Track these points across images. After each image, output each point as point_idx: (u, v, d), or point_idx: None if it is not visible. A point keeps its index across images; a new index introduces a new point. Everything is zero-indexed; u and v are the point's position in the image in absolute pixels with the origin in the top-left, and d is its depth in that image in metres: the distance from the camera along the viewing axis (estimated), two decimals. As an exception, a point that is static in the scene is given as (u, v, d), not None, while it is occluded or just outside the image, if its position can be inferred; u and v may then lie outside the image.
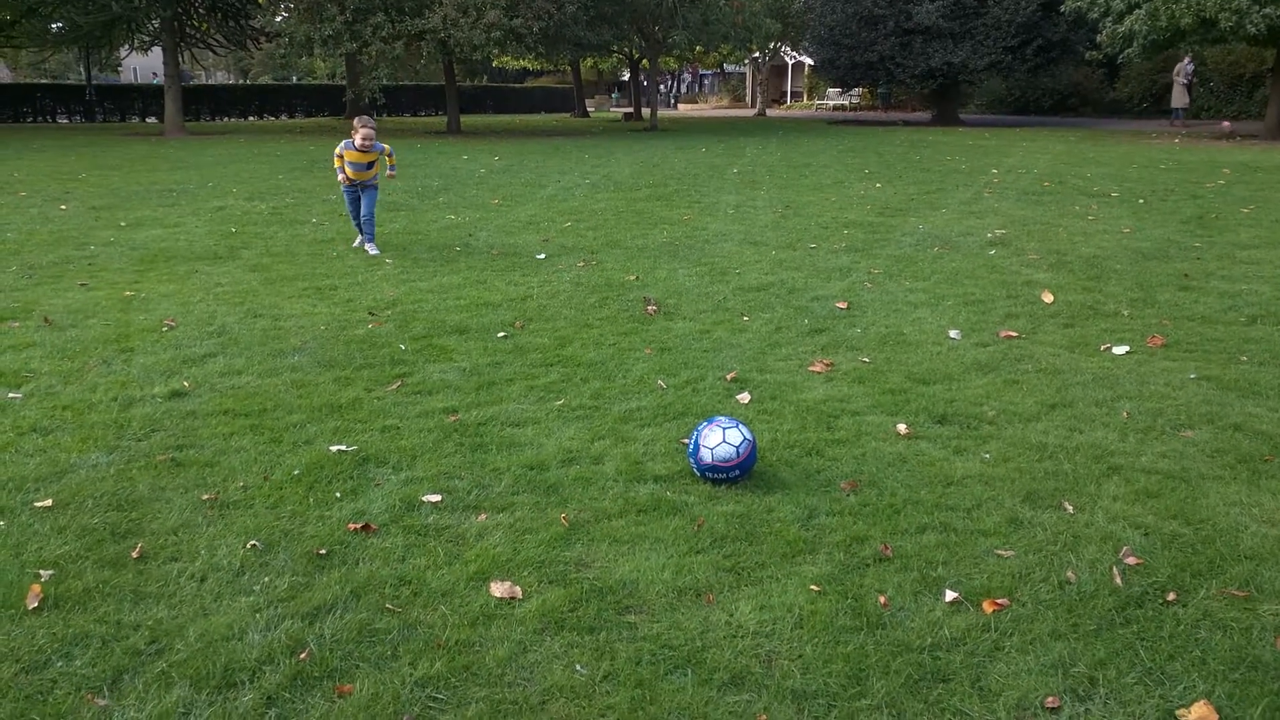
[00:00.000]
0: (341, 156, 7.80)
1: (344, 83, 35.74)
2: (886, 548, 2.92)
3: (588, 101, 47.20)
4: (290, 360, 4.84)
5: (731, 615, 2.58)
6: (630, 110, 38.80)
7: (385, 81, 26.79)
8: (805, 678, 2.30)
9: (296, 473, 3.43)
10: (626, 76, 46.58)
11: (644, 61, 35.21)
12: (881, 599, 2.63)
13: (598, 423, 4.03)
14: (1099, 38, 22.70)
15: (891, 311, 5.90)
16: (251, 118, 37.69)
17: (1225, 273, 6.86)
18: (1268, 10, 19.14)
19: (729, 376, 4.63)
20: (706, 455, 3.36)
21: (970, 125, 29.81)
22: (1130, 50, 21.65)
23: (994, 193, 11.70)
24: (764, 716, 2.17)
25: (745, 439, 3.38)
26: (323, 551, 2.86)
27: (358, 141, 7.62)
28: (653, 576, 2.77)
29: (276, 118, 38.30)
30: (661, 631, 2.50)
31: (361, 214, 7.96)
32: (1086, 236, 8.36)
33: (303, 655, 2.34)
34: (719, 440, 3.35)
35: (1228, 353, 4.90)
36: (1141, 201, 10.65)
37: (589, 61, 45.28)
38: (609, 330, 5.53)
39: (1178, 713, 2.14)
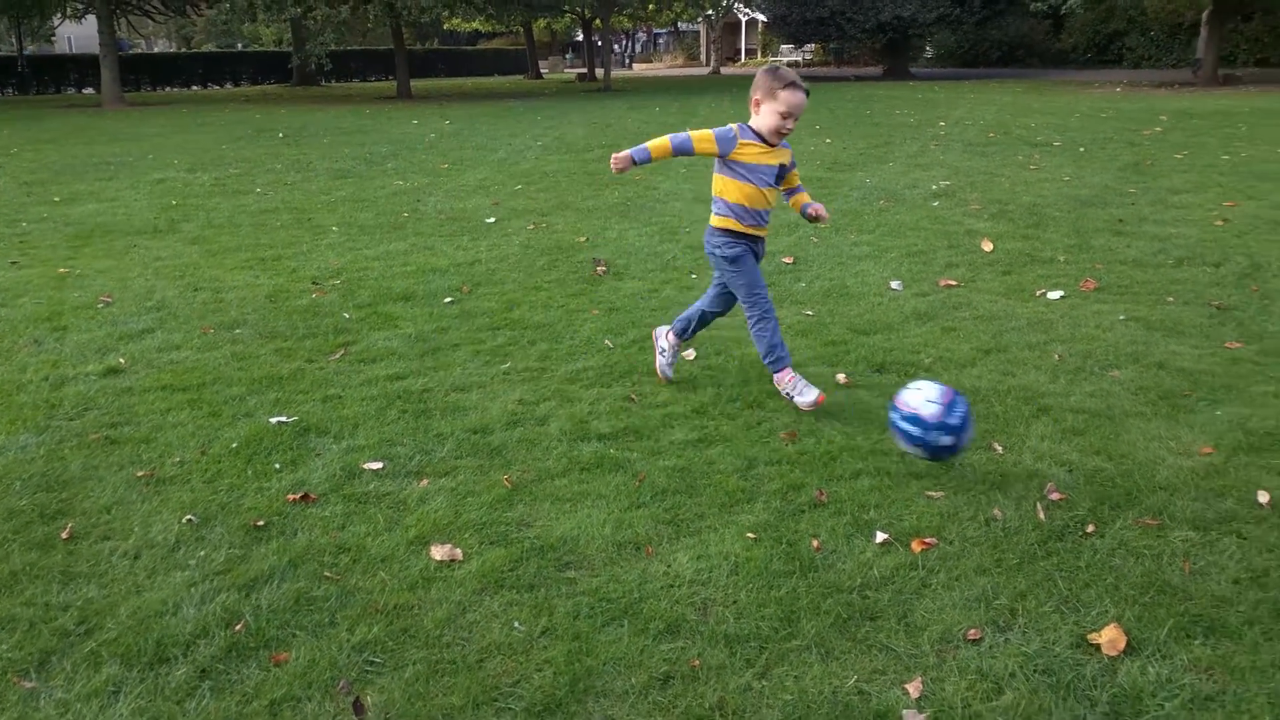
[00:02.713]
0: (725, 166, 3.55)
1: (290, 49, 34.93)
2: (822, 494, 2.99)
3: (541, 63, 46.58)
4: (231, 333, 4.78)
5: (669, 566, 2.63)
6: (584, 71, 38.39)
7: (332, 46, 26.22)
8: (739, 622, 2.36)
9: (235, 446, 3.41)
10: (580, 37, 45.95)
11: (596, 21, 34.77)
12: (815, 543, 2.70)
13: (544, 384, 4.04)
14: (1044, -13, 22.83)
15: (836, 265, 5.96)
16: (195, 87, 36.75)
17: (1157, 217, 7.00)
18: (1207, -44, 19.35)
19: (674, 334, 4.65)
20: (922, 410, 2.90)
21: (920, 79, 29.86)
22: (1072, 1, 21.80)
23: (940, 145, 11.78)
24: (697, 661, 2.22)
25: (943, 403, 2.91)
26: (261, 523, 2.86)
27: (777, 114, 3.42)
28: (593, 532, 2.81)
29: (221, 86, 37.38)
30: (600, 585, 2.54)
31: (754, 297, 3.66)
32: (1028, 185, 8.47)
33: (238, 627, 2.35)
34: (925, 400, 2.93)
35: (1156, 294, 5.03)
36: (1082, 150, 10.79)
37: (541, 22, 44.56)
38: (557, 292, 5.53)
39: (1089, 636, 2.23)
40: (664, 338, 4.01)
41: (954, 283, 5.42)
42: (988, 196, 7.95)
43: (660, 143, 3.52)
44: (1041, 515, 2.79)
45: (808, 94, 3.48)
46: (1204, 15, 24.41)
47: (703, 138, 3.50)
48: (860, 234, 6.82)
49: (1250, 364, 4.00)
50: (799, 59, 43.72)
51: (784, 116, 3.43)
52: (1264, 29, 28.79)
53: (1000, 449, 3.26)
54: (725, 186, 3.60)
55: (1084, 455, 3.19)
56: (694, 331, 3.97)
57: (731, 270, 3.65)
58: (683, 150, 3.51)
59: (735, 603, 2.44)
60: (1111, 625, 2.26)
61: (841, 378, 3.98)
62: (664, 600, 2.47)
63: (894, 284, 5.43)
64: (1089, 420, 3.48)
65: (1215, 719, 1.97)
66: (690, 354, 4.35)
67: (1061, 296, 5.06)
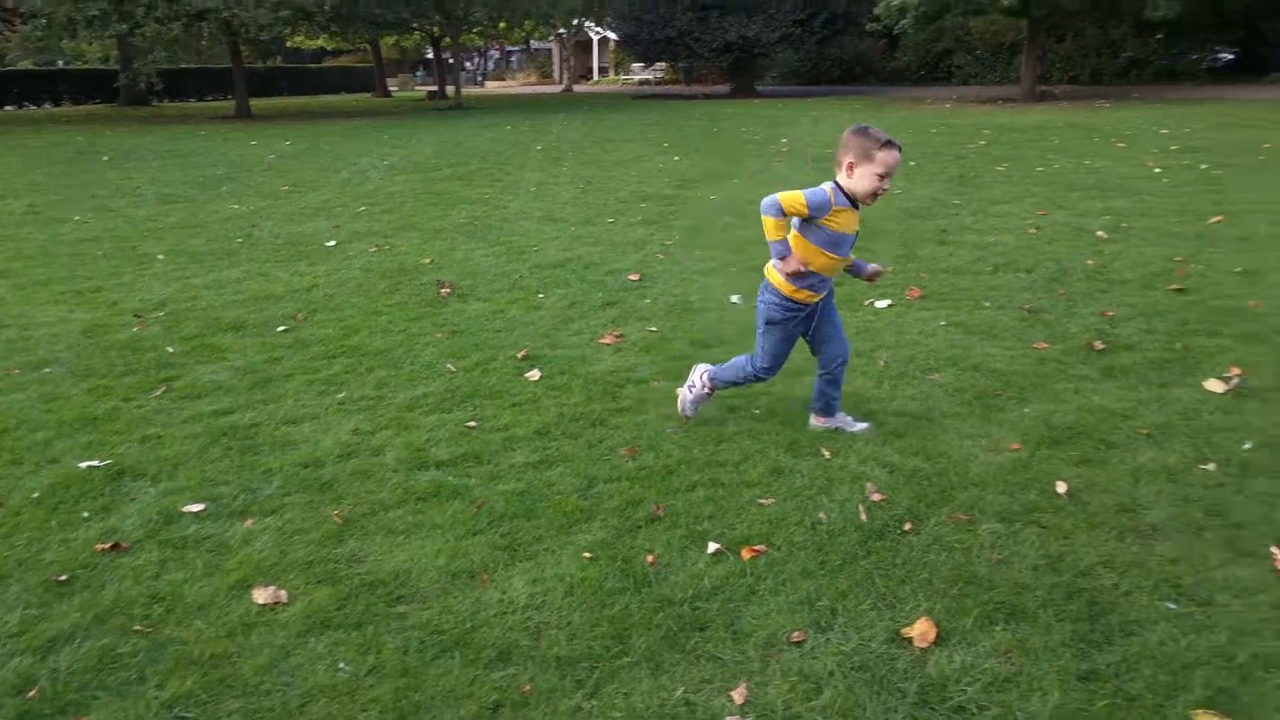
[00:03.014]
0: (811, 212, 3.24)
1: (118, 67, 33.03)
2: (658, 508, 3.02)
3: (390, 81, 45.72)
4: (38, 373, 4.45)
5: (504, 593, 2.60)
6: (435, 89, 37.89)
7: (164, 64, 24.94)
8: (571, 644, 2.36)
9: (37, 495, 3.17)
10: (431, 54, 45.33)
11: (446, 39, 34.39)
12: (649, 558, 2.73)
13: (381, 413, 3.95)
14: (877, 10, 24.08)
15: (680, 281, 6.07)
16: (9, 107, 34.18)
17: (978, 226, 7.47)
18: (1020, -18, 20.90)
19: (520, 355, 4.63)
20: None
21: (766, 97, 30.93)
22: (905, 22, 23.12)
23: (783, 162, 12.21)
24: (528, 687, 2.20)
25: None
26: (63, 578, 2.67)
27: (876, 176, 3.18)
28: (427, 564, 2.75)
29: (39, 106, 34.91)
30: (432, 618, 2.49)
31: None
32: (862, 198, 8.85)
33: (31, 693, 2.18)
34: None
35: (974, 300, 5.36)
36: (913, 163, 11.40)
37: (390, 39, 43.74)
38: (399, 316, 5.41)
39: (902, 631, 2.34)
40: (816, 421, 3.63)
41: (791, 294, 5.61)
42: (825, 210, 8.27)
43: (772, 225, 3.24)
44: (863, 516, 2.92)
45: (901, 150, 3.24)
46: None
47: (792, 201, 3.20)
48: (705, 250, 6.98)
49: (1055, 363, 4.30)
50: (650, 77, 44.52)
51: (882, 177, 3.18)
52: (1075, 49, 31.26)
53: (828, 454, 3.39)
54: (805, 251, 3.30)
55: (904, 456, 3.35)
56: (836, 390, 3.57)
57: (764, 329, 3.48)
58: (779, 217, 3.23)
59: (569, 624, 2.44)
60: (923, 618, 2.38)
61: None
62: (497, 628, 2.44)
63: (734, 298, 5.57)
64: (910, 422, 3.66)
65: (1011, 698, 2.11)
66: (535, 375, 4.34)
67: (888, 305, 5.32)
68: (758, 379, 3.61)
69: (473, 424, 3.78)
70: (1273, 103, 19.84)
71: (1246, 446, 3.36)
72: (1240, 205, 7.99)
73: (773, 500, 3.05)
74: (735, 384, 3.69)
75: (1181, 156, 11.33)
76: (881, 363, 4.34)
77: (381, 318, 5.39)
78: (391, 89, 44.09)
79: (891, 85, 34.41)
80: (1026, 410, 3.75)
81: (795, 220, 3.34)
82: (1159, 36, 29.46)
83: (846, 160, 3.21)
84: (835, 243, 3.30)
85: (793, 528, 2.87)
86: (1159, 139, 13.41)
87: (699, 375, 3.73)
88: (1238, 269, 5.86)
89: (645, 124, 19.49)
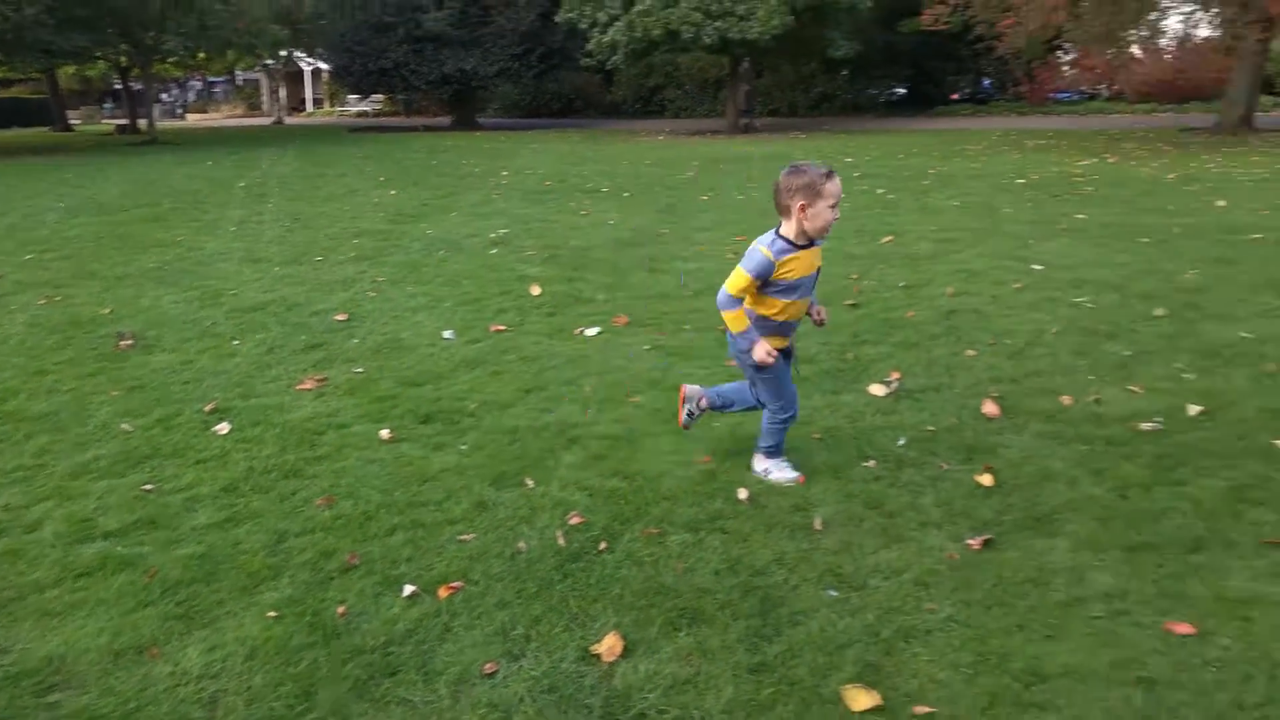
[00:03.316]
0: (761, 280, 3.27)
1: None
2: (353, 556, 2.92)
3: (73, 113, 41.33)
4: None
5: (177, 664, 2.41)
6: (125, 122, 34.73)
7: None
8: (250, 709, 2.22)
9: None
10: (120, 85, 41.45)
11: (136, 69, 31.62)
12: (341, 609, 2.63)
13: (40, 483, 3.53)
14: (589, 46, 25.00)
15: (391, 318, 5.93)
16: None
17: (684, 254, 7.92)
18: (718, 24, 22.56)
19: (208, 408, 4.32)
20: None
21: (488, 129, 31.13)
22: (616, 58, 24.18)
23: (502, 194, 12.32)
24: (199, 765, 2.05)
25: None
26: None
27: (829, 208, 3.19)
28: (87, 644, 2.49)
29: None
30: (90, 703, 2.26)
31: (782, 399, 3.50)
32: (577, 230, 9.14)
33: None
34: None
35: (676, 324, 5.66)
36: (626, 195, 11.92)
37: (69, 69, 39.52)
38: (68, 374, 4.87)
39: (592, 648, 2.42)
40: (697, 402, 3.73)
41: (504, 328, 5.65)
42: (541, 243, 8.44)
43: (732, 318, 3.29)
44: (561, 540, 2.98)
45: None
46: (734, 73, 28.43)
47: (740, 283, 3.25)
48: (418, 285, 6.87)
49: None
50: (368, 109, 43.42)
51: (833, 207, 3.19)
52: (773, 85, 34.18)
53: (531, 483, 3.43)
54: (767, 303, 3.33)
55: (604, 478, 3.47)
56: (729, 411, 3.74)
57: (761, 375, 3.40)
58: (737, 307, 3.29)
59: (248, 689, 2.30)
60: (612, 633, 2.47)
61: (385, 434, 3.95)
62: (166, 703, 2.25)
63: (446, 333, 5.53)
64: (612, 445, 3.79)
65: (688, 699, 2.23)
66: (224, 428, 4.06)
67: (598, 333, 5.50)
68: (785, 421, 3.50)
69: (149, 487, 3.48)
70: (938, 133, 22.72)
71: (900, 443, 3.78)
72: (908, 226, 9.05)
73: (474, 535, 3.04)
74: (782, 439, 3.53)
75: (862, 183, 12.65)
76: (588, 389, 4.47)
77: (47, 377, 4.83)
78: (74, 122, 39.86)
79: (609, 118, 35.81)
80: (716, 425, 3.99)
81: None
82: (844, 74, 32.91)
83: (798, 204, 3.19)
84: (791, 288, 3.31)
85: (492, 560, 2.88)
86: (844, 167, 14.89)
87: (771, 464, 3.52)
88: (902, 284, 6.62)
89: (361, 157, 18.95)
